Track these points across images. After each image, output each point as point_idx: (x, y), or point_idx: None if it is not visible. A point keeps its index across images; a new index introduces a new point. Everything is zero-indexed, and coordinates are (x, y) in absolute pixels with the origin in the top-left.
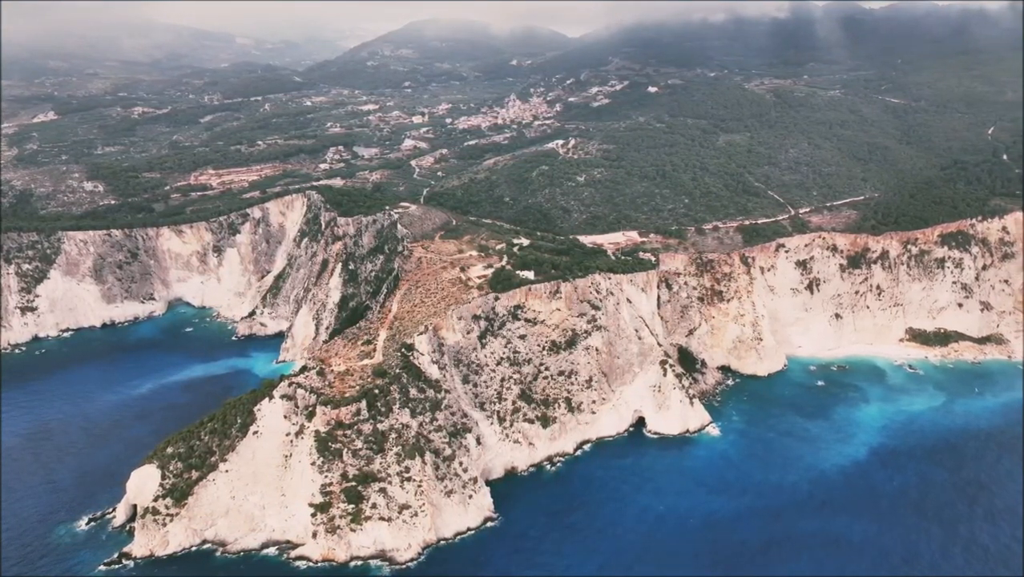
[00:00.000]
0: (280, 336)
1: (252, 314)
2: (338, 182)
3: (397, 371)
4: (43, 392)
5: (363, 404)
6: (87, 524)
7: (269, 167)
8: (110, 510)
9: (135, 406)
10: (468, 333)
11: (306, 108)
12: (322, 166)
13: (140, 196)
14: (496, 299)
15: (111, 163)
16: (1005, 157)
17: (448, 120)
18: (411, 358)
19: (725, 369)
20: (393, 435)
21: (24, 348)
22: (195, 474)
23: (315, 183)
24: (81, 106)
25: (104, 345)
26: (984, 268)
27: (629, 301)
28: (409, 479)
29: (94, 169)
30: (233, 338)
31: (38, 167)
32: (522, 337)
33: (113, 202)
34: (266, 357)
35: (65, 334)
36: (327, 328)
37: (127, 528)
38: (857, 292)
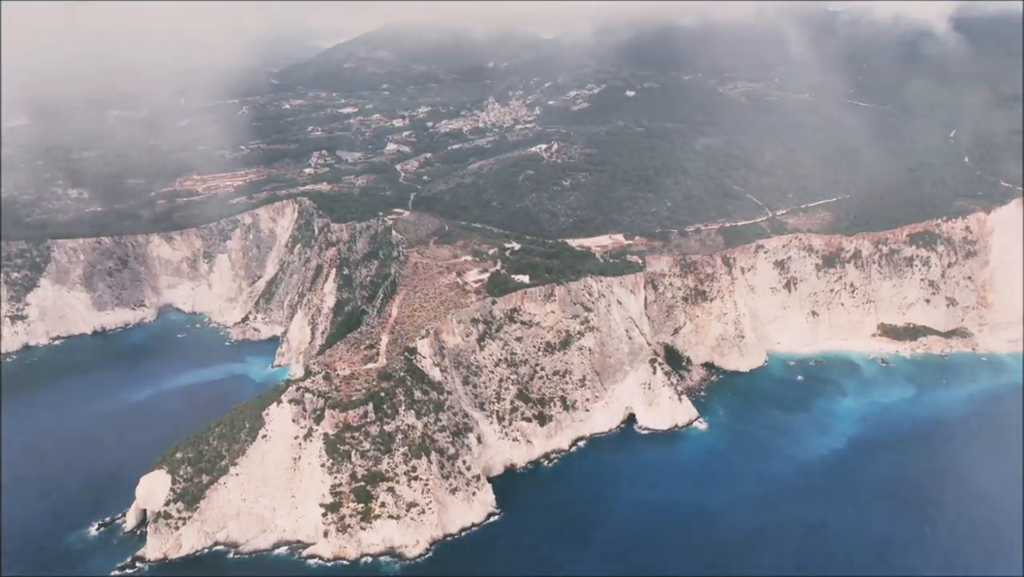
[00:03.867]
0: (274, 341)
1: (245, 319)
2: (324, 187)
3: (401, 374)
4: (38, 400)
5: (370, 407)
6: (97, 529)
7: (254, 172)
8: (119, 515)
9: (134, 413)
10: (467, 336)
11: (285, 111)
12: (307, 171)
13: (126, 203)
14: (493, 303)
15: (95, 169)
16: (967, 160)
17: (429, 123)
18: (414, 361)
19: (709, 366)
20: (399, 436)
21: (15, 357)
22: (205, 478)
23: (301, 188)
24: (53, 110)
25: (97, 352)
26: (949, 266)
27: (619, 302)
28: (416, 478)
29: (78, 175)
30: (227, 343)
31: (15, 173)
32: (518, 339)
33: (99, 209)
34: (261, 362)
35: (56, 342)
36: (323, 332)
37: (138, 532)
38: (832, 290)
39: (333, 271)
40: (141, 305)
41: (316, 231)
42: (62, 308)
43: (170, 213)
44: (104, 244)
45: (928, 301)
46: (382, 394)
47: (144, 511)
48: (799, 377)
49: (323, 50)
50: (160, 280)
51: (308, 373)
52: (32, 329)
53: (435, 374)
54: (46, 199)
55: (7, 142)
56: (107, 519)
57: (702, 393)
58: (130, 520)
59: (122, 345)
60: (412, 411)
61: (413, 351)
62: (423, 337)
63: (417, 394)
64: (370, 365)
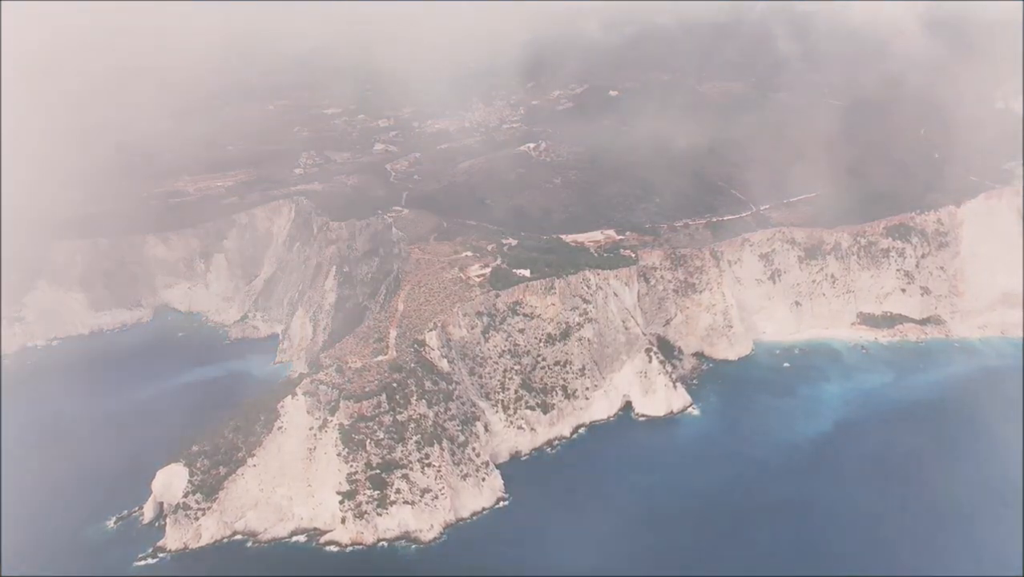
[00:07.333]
0: (273, 338)
1: (244, 318)
2: (316, 187)
3: (412, 366)
4: (41, 401)
5: (383, 397)
6: (115, 523)
7: (244, 173)
8: (136, 509)
9: (138, 411)
10: (472, 328)
11: (270, 112)
12: (296, 171)
13: (118, 204)
14: (497, 296)
15: (81, 169)
16: (937, 156)
17: (415, 123)
18: (423, 353)
19: (699, 355)
20: (412, 425)
21: (13, 358)
22: (223, 470)
23: (293, 188)
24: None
25: (96, 352)
26: (923, 257)
27: (615, 295)
28: (429, 465)
29: (65, 176)
30: (226, 342)
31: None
32: (521, 331)
33: (92, 210)
34: (262, 359)
35: (54, 343)
36: (324, 328)
37: (156, 525)
38: (814, 281)
39: (333, 268)
40: (138, 305)
41: (315, 229)
42: (60, 309)
43: (164, 214)
44: (101, 245)
45: (904, 291)
46: (394, 385)
47: (161, 504)
48: (785, 364)
49: (303, 50)
50: (156, 280)
51: (320, 367)
52: (30, 331)
53: (443, 365)
54: (37, 200)
55: None
56: (124, 513)
57: (694, 381)
58: (147, 513)
59: (121, 345)
60: (423, 401)
61: (422, 343)
62: (431, 330)
63: (427, 385)
64: (380, 358)
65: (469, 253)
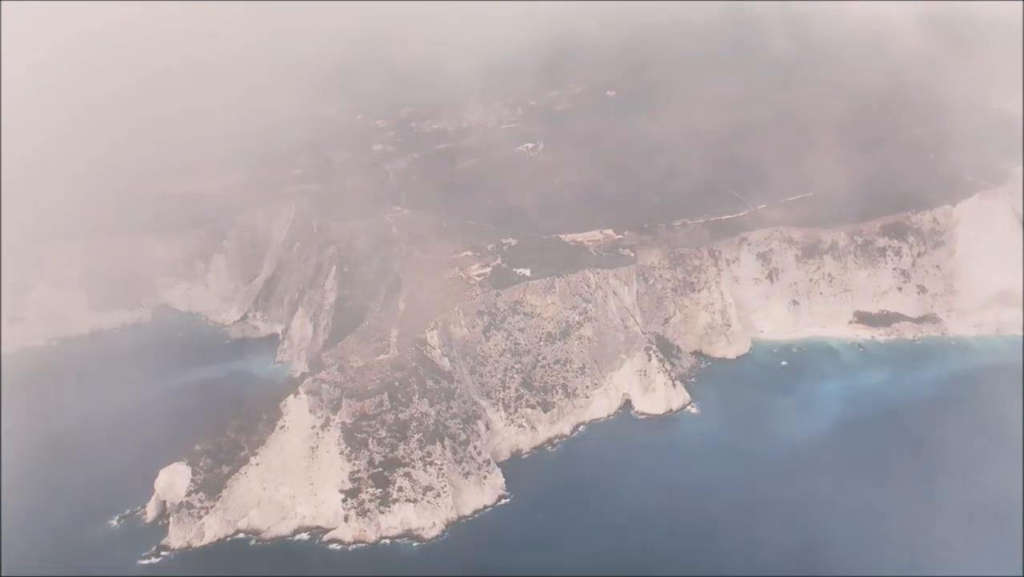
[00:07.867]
0: (273, 338)
1: (244, 318)
2: (316, 187)
3: (414, 364)
4: (41, 401)
5: (385, 396)
6: (118, 522)
7: (242, 173)
8: (139, 508)
9: (139, 411)
10: (473, 328)
11: (268, 112)
12: (295, 171)
13: (118, 204)
14: (497, 295)
15: (79, 170)
16: (932, 155)
17: (413, 124)
18: (424, 352)
19: (698, 354)
20: (414, 423)
21: (13, 358)
22: (226, 469)
23: (294, 188)
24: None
25: (95, 353)
26: (919, 255)
27: (615, 294)
28: (431, 463)
29: (64, 177)
30: (226, 342)
31: None
32: (521, 330)
33: (91, 210)
34: (262, 359)
35: (54, 343)
36: (324, 328)
37: (159, 523)
38: (811, 280)
39: (333, 268)
40: (138, 305)
41: (315, 229)
42: (59, 309)
43: (164, 214)
44: (100, 245)
45: (900, 289)
46: (396, 384)
47: (164, 503)
48: (783, 363)
49: (298, 52)
50: (156, 280)
51: (321, 366)
52: (30, 331)
53: (444, 364)
54: (37, 200)
55: None
56: (127, 512)
57: (692, 380)
58: (150, 512)
59: (122, 345)
60: (425, 399)
61: (423, 342)
62: (432, 329)
63: (429, 383)
64: (382, 356)
65: (469, 252)
